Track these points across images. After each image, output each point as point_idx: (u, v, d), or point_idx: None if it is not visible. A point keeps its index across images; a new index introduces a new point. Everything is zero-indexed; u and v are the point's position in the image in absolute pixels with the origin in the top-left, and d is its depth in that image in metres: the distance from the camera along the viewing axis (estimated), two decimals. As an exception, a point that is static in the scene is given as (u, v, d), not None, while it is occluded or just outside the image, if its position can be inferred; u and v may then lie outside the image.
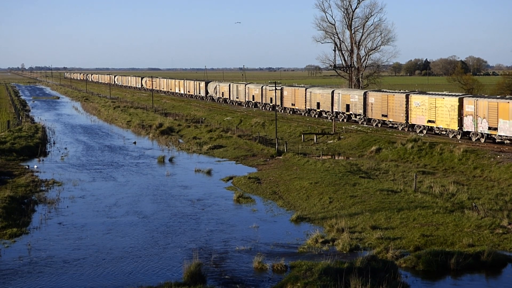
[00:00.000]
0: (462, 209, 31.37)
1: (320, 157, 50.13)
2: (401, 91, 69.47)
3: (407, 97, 61.18)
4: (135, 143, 66.69)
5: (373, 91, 70.09)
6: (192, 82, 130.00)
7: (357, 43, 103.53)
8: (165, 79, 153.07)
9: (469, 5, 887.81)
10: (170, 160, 53.61)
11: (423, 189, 36.85)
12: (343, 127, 65.08)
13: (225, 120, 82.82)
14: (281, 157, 52.04)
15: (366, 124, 67.98)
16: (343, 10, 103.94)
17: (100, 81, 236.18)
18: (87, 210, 35.10)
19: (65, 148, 62.26)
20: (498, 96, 55.69)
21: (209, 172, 46.99)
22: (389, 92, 67.52)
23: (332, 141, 60.66)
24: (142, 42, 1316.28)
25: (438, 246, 25.81)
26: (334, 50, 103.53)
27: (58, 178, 44.49)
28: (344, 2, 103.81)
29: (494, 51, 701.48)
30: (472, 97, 54.38)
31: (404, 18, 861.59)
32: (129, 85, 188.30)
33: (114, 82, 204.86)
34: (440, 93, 63.02)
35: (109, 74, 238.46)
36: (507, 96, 55.62)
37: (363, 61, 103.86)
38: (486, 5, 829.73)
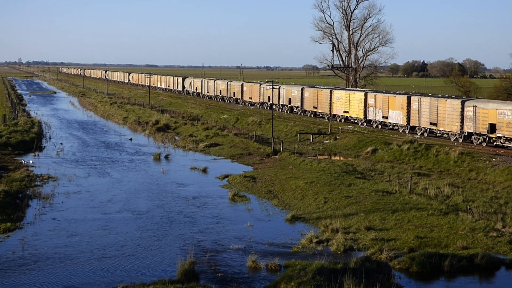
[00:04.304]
0: (457, 211, 31.38)
1: (316, 157, 50.12)
2: (327, 86, 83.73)
3: (330, 92, 72.94)
4: (131, 139, 66.62)
5: (308, 87, 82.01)
6: (171, 77, 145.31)
7: (355, 44, 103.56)
8: (148, 75, 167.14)
9: (467, 8, 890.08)
10: (166, 157, 53.57)
11: (418, 190, 36.85)
12: (340, 127, 65.16)
13: (221, 118, 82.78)
14: (277, 156, 52.00)
15: (302, 114, 78.59)
16: (341, 11, 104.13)
17: (92, 76, 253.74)
18: (81, 206, 35.03)
19: (61, 143, 62.12)
20: (391, 92, 70.28)
21: (204, 170, 46.98)
22: (319, 88, 78.91)
23: (328, 141, 60.69)
24: (140, 39, 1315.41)
25: (432, 248, 25.82)
26: (332, 51, 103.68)
27: (53, 173, 44.39)
28: (343, 3, 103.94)
29: (491, 54, 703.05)
30: (374, 92, 67.40)
31: (402, 19, 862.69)
32: (118, 79, 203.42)
33: (105, 77, 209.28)
34: (353, 89, 75.70)
35: (100, 70, 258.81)
36: (397, 92, 69.73)
37: (361, 62, 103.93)
38: (484, 8, 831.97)
